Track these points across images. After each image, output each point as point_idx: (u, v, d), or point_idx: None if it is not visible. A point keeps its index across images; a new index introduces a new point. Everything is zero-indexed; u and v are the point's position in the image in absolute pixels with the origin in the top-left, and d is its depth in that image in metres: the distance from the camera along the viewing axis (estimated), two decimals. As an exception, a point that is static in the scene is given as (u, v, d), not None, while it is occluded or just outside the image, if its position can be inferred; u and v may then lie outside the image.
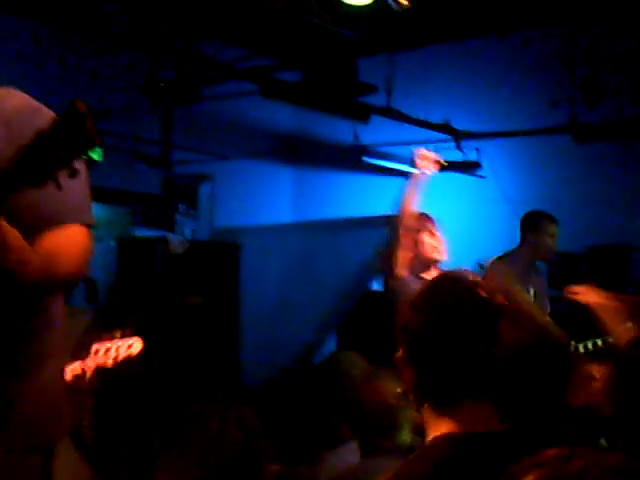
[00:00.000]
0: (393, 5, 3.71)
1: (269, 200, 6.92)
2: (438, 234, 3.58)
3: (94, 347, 2.52)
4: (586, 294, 2.67)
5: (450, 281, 1.38)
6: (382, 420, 2.22)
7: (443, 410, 1.30)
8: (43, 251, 1.37)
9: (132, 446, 3.96)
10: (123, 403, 3.97)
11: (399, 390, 2.23)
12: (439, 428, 1.30)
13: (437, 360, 1.31)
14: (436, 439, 1.30)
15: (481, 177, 6.13)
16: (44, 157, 1.15)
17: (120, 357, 2.52)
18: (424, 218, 3.59)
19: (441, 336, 1.30)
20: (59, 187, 1.16)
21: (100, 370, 3.96)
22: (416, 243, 3.44)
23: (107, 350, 2.58)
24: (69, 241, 1.44)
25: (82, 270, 1.46)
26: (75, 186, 1.40)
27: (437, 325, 1.31)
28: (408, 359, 1.33)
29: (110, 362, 2.44)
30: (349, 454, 2.35)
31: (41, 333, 1.49)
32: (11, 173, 1.15)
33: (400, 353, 1.35)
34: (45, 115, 1.52)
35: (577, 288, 2.80)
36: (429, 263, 3.50)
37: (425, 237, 3.52)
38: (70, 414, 1.62)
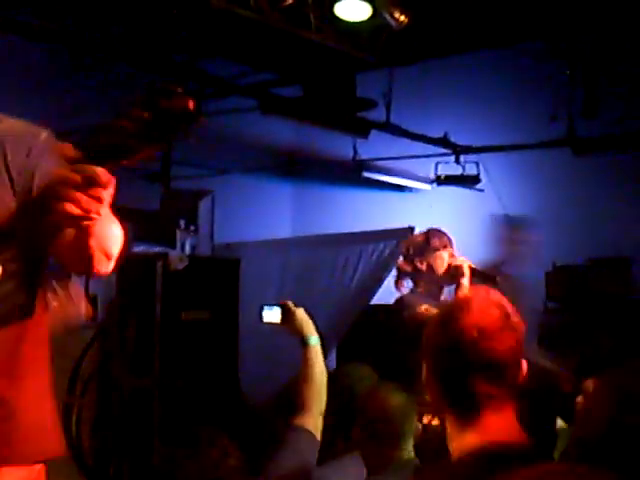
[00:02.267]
0: (391, 22, 3.73)
1: (269, 215, 6.92)
2: (457, 254, 3.55)
3: None
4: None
5: (478, 300, 1.43)
6: (387, 429, 2.23)
7: (467, 421, 1.34)
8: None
9: (132, 463, 3.94)
10: (123, 420, 3.95)
11: (404, 401, 2.25)
12: (463, 439, 1.34)
13: (460, 374, 1.35)
14: (464, 455, 1.34)
15: (480, 191, 6.14)
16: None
17: None
18: (444, 237, 3.55)
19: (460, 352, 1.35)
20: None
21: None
22: (431, 260, 3.41)
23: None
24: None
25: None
26: None
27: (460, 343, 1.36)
28: (433, 374, 1.38)
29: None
30: (354, 464, 2.35)
31: (27, 348, 1.50)
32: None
33: (425, 369, 1.41)
34: (38, 135, 1.53)
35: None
36: (445, 281, 3.46)
37: (444, 255, 3.48)
38: (60, 434, 1.61)
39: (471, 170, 6.02)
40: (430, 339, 1.41)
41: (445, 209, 6.43)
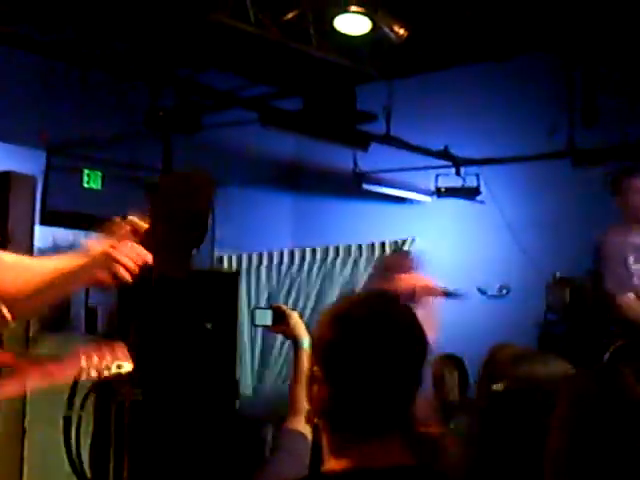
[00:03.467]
0: (391, 35, 3.75)
1: (269, 227, 6.93)
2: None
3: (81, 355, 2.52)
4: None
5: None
6: None
7: (347, 438, 1.19)
8: None
9: (132, 475, 3.93)
10: (122, 433, 3.94)
11: None
12: (336, 459, 1.19)
13: (361, 386, 1.18)
14: (325, 474, 1.20)
15: (481, 203, 6.15)
16: None
17: (105, 372, 2.52)
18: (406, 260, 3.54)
19: (364, 358, 1.18)
20: None
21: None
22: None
23: (92, 360, 2.57)
24: None
25: None
26: None
27: (369, 348, 1.19)
28: (326, 376, 1.20)
29: (94, 374, 2.44)
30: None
31: None
32: None
33: (315, 370, 1.22)
34: None
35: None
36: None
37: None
38: None
39: (471, 182, 6.03)
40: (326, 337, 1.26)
41: (445, 221, 6.44)
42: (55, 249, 5.60)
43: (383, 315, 1.22)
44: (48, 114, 5.10)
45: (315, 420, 1.23)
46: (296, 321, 2.42)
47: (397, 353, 1.19)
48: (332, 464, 1.19)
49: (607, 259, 3.99)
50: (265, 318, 2.44)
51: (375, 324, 1.20)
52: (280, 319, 2.41)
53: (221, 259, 6.30)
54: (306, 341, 2.31)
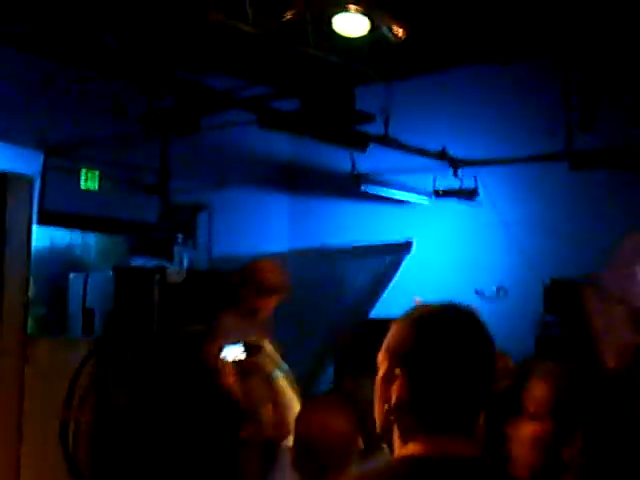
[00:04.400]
0: (389, 36, 3.75)
1: (267, 228, 6.92)
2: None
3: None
4: None
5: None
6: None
7: (419, 432, 1.31)
8: None
9: (130, 477, 3.92)
10: (120, 435, 3.93)
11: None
12: (407, 449, 1.31)
13: (433, 383, 1.31)
14: (397, 459, 1.31)
15: (479, 204, 6.15)
16: None
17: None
18: None
19: (442, 360, 1.32)
20: None
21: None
22: None
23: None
24: None
25: None
26: None
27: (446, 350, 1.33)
28: (404, 379, 1.33)
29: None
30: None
31: None
32: None
33: (398, 371, 1.34)
34: None
35: None
36: None
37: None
38: None
39: (469, 184, 6.04)
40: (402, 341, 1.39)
41: (443, 223, 6.44)
42: (52, 249, 5.59)
43: (458, 322, 1.36)
44: (46, 114, 5.09)
45: (391, 417, 1.34)
46: (268, 353, 2.44)
47: (471, 358, 1.33)
48: (408, 450, 1.31)
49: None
50: (237, 353, 2.46)
51: (451, 330, 1.34)
52: (253, 351, 2.43)
53: (219, 260, 6.29)
54: (278, 372, 2.35)
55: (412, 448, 1.31)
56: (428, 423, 1.31)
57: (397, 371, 1.34)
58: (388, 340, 1.39)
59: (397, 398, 1.32)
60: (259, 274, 3.98)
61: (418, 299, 2.91)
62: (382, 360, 1.39)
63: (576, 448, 1.67)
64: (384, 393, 1.36)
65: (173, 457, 3.81)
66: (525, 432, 1.76)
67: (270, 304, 4.01)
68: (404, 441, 1.33)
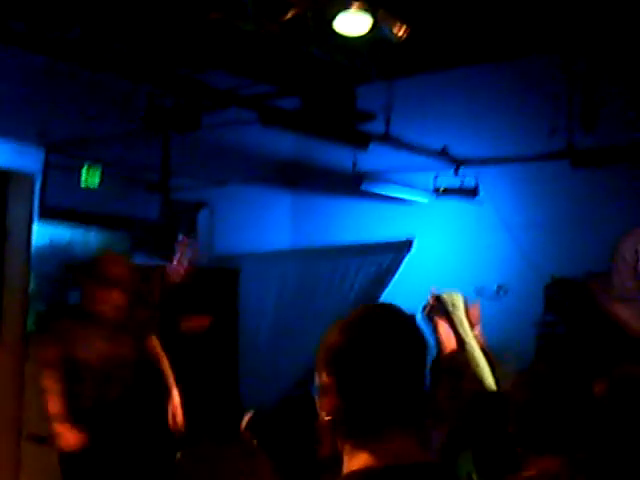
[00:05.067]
0: (391, 35, 3.75)
1: (268, 226, 6.93)
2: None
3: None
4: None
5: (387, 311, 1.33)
6: None
7: (366, 440, 1.21)
8: None
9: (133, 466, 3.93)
10: (121, 430, 3.93)
11: None
12: (358, 460, 1.21)
13: (367, 387, 1.22)
14: (353, 473, 1.21)
15: (479, 203, 6.15)
16: None
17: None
18: None
19: (373, 363, 1.23)
20: None
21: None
22: None
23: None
24: None
25: None
26: None
27: (370, 351, 1.24)
28: (336, 386, 1.24)
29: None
30: None
31: None
32: None
33: (326, 379, 1.26)
34: None
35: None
36: None
37: None
38: None
39: (470, 182, 6.04)
40: (334, 346, 1.31)
41: (444, 221, 6.44)
42: (53, 246, 5.60)
43: (389, 321, 1.28)
44: (47, 111, 5.09)
45: (331, 428, 1.25)
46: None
47: (404, 356, 1.25)
48: (357, 463, 1.21)
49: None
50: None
51: (382, 329, 1.26)
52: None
53: (219, 258, 6.30)
54: None
55: (362, 460, 1.21)
56: (369, 430, 1.22)
57: (327, 379, 1.25)
58: (320, 348, 1.31)
59: (333, 407, 1.24)
60: (100, 265, 3.85)
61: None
62: (317, 369, 1.31)
63: None
64: (321, 404, 1.26)
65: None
66: None
67: (111, 298, 3.77)
68: (350, 453, 1.23)
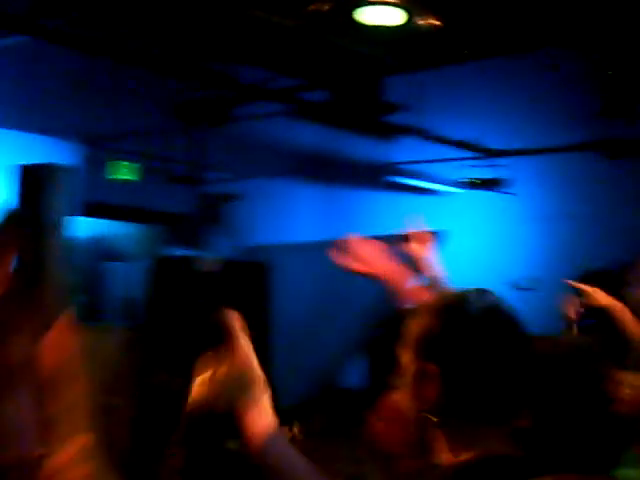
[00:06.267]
0: (423, 26, 3.74)
1: (298, 219, 6.95)
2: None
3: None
4: (595, 295, 2.67)
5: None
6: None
7: (465, 430, 1.19)
8: None
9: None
10: (160, 421, 4.00)
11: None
12: (458, 450, 1.19)
13: (475, 375, 1.20)
14: (460, 464, 1.19)
15: (512, 194, 6.12)
16: None
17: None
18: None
19: (480, 350, 1.20)
20: None
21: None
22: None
23: None
24: None
25: None
26: None
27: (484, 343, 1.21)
28: (441, 373, 1.20)
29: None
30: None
31: None
32: None
33: (430, 366, 1.21)
34: None
35: (585, 287, 2.77)
36: None
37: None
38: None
39: (502, 174, 6.01)
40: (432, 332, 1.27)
41: (476, 213, 6.42)
42: (89, 239, 5.69)
43: (492, 309, 1.25)
44: (84, 107, 5.17)
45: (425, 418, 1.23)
46: None
47: (506, 344, 1.22)
48: (460, 454, 1.20)
49: None
50: None
51: (480, 317, 1.22)
52: None
53: (250, 250, 6.35)
54: None
55: (464, 451, 1.18)
56: (473, 423, 1.19)
57: (430, 367, 1.21)
58: (413, 333, 1.26)
59: (435, 396, 1.20)
60: None
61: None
62: (407, 355, 1.26)
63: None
64: (417, 393, 1.22)
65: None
66: None
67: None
68: (452, 446, 1.20)
